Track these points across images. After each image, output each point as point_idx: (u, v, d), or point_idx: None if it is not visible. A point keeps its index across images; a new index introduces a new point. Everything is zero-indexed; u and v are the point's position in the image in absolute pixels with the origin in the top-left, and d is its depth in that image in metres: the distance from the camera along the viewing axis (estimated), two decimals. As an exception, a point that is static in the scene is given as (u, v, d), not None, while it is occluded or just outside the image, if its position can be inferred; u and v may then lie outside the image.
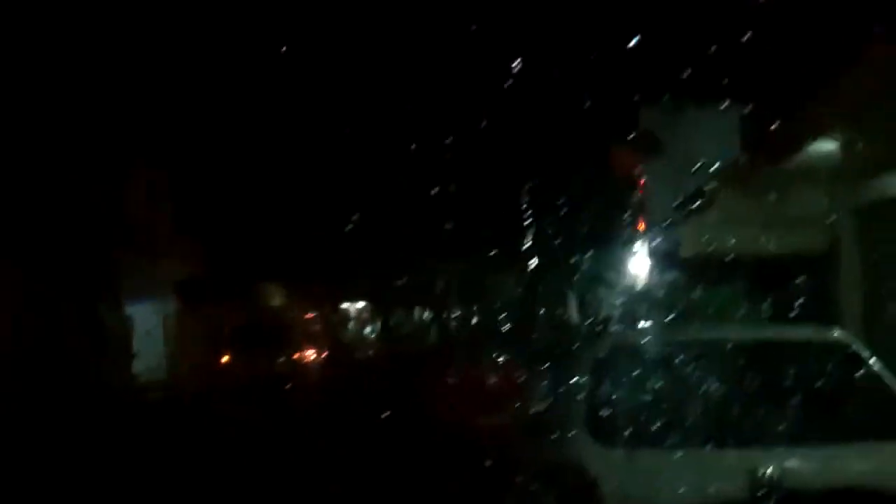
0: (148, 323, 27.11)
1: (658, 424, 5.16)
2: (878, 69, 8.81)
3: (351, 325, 50.15)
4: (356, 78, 22.38)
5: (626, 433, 5.18)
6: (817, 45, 12.44)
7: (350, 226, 31.99)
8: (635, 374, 5.48)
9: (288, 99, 23.07)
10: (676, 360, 5.50)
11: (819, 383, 5.34)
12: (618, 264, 22.72)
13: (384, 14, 20.24)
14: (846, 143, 11.15)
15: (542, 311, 30.22)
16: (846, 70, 9.58)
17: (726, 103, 19.79)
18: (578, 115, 22.46)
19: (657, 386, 5.35)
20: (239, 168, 26.51)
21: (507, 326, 18.72)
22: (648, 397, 5.29)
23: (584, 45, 20.55)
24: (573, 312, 27.09)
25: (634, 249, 23.24)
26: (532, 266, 31.75)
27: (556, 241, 26.08)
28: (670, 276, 19.14)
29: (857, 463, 5.05)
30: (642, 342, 6.10)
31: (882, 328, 13.13)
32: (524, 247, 29.51)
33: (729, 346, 5.50)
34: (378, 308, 50.70)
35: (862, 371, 5.36)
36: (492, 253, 32.09)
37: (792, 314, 8.27)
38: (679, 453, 5.00)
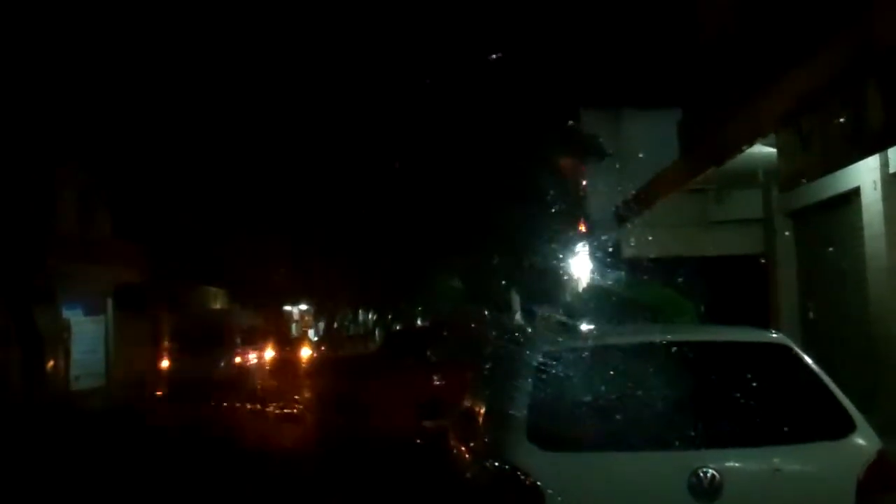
0: (86, 328, 26.75)
1: (597, 427, 5.20)
2: (813, 74, 8.96)
3: (294, 327, 49.88)
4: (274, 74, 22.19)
5: (566, 436, 5.21)
6: (755, 48, 12.64)
7: (293, 226, 31.83)
8: (575, 377, 5.51)
9: (219, 104, 22.78)
10: (616, 363, 5.54)
11: (758, 384, 5.41)
12: (559, 265, 22.90)
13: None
14: (782, 147, 11.32)
15: (487, 313, 30.32)
16: (784, 74, 9.72)
17: (665, 107, 20.06)
18: (521, 120, 22.67)
19: (597, 389, 5.38)
20: (177, 172, 26.16)
21: (452, 329, 18.74)
22: (588, 400, 5.31)
23: (526, 51, 20.80)
24: (517, 316, 27.22)
25: (576, 251, 23.44)
26: (476, 268, 31.88)
27: (501, 244, 26.23)
28: (611, 277, 19.31)
29: (796, 463, 5.12)
30: (582, 345, 6.15)
31: (814, 328, 13.41)
32: (469, 249, 29.61)
33: (669, 348, 5.55)
34: (322, 310, 50.44)
35: (798, 372, 5.43)
36: (436, 254, 32.12)
37: (731, 314, 8.38)
38: (619, 455, 5.04)
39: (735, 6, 13.82)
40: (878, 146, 9.01)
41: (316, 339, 46.78)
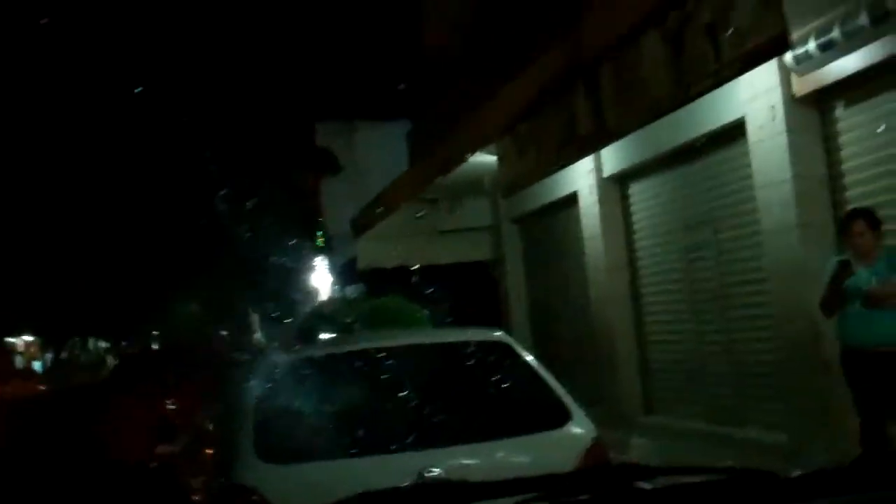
0: None
1: (325, 436, 5.12)
2: (527, 84, 9.32)
3: (18, 359, 46.79)
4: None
5: (294, 448, 5.10)
6: (476, 62, 13.05)
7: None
8: (301, 387, 5.41)
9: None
10: (343, 370, 5.51)
11: (481, 382, 5.52)
12: (299, 281, 22.75)
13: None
14: (502, 154, 11.73)
15: (223, 332, 29.70)
16: (501, 86, 10.06)
17: (398, 119, 20.43)
18: (256, 134, 22.42)
19: (324, 397, 5.31)
20: None
21: (188, 350, 18.20)
22: (315, 409, 5.22)
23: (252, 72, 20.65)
24: (256, 331, 26.83)
25: (315, 267, 23.39)
26: (212, 291, 31.13)
27: (238, 262, 25.72)
28: (348, 288, 19.38)
29: (518, 455, 5.23)
30: (313, 356, 6.08)
31: (543, 329, 13.99)
32: (206, 269, 28.85)
33: (394, 352, 5.56)
34: (49, 340, 47.65)
35: (518, 367, 5.59)
36: (168, 277, 31.15)
37: (464, 316, 8.58)
38: (346, 462, 4.98)
39: (457, 24, 14.25)
40: (588, 149, 9.50)
41: (42, 371, 44.09)
